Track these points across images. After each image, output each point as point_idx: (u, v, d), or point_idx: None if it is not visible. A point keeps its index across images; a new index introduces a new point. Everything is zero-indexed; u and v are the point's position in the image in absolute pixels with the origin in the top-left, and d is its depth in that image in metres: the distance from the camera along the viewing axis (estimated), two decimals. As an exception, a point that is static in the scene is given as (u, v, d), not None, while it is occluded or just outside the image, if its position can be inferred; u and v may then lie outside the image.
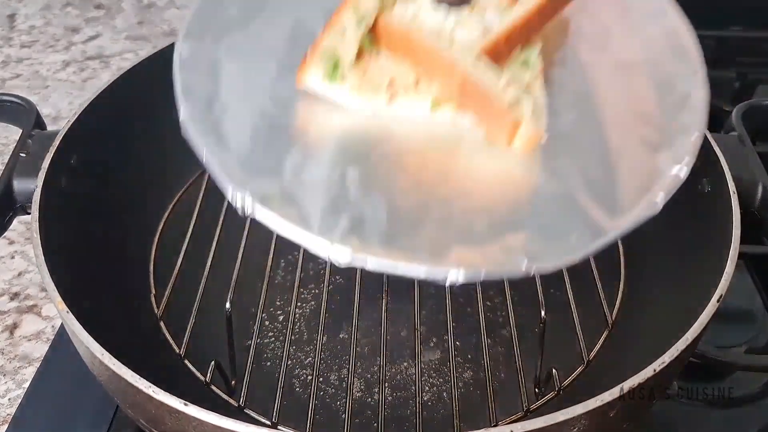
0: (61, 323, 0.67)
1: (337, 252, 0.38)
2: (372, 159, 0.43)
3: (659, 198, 0.43)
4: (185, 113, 0.44)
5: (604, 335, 0.56)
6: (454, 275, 0.38)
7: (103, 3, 1.16)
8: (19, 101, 0.62)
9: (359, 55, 0.45)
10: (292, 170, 0.42)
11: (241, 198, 0.40)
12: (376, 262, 0.38)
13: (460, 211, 0.42)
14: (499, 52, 0.44)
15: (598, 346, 0.56)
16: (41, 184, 0.53)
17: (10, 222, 0.56)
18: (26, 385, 0.62)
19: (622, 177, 0.44)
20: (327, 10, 0.47)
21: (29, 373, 0.64)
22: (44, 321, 0.68)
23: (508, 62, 0.46)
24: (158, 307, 0.59)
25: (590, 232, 0.41)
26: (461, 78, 0.42)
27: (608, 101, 0.48)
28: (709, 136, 0.58)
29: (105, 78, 1.00)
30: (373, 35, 0.46)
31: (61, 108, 0.94)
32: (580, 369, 0.54)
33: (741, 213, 0.52)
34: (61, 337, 0.65)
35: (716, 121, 0.60)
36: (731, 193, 0.53)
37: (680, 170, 0.44)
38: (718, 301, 0.47)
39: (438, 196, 0.42)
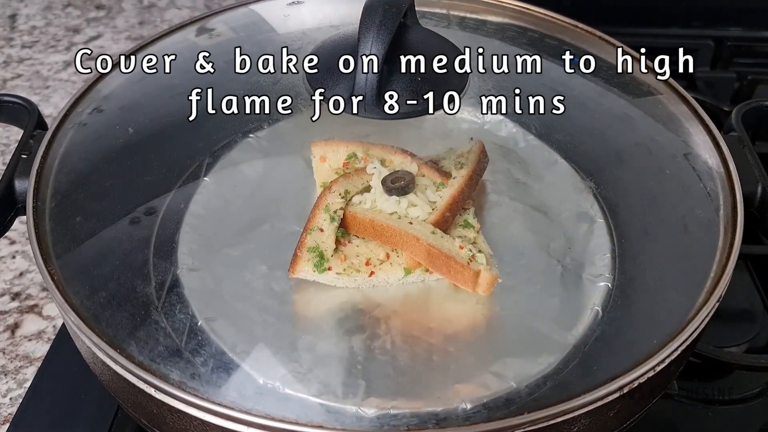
0: (63, 323, 0.67)
1: (362, 412, 0.48)
2: (367, 326, 0.54)
3: (598, 308, 0.54)
4: (203, 319, 0.53)
5: (598, 329, 0.57)
6: (463, 407, 0.48)
7: (104, 3, 1.16)
8: (20, 101, 0.62)
9: (337, 244, 0.56)
10: (306, 350, 0.51)
11: (271, 386, 0.49)
12: (397, 411, 0.48)
13: (450, 354, 0.52)
14: (447, 222, 0.57)
15: (592, 339, 0.56)
16: (42, 184, 0.53)
17: (11, 222, 0.56)
18: (27, 384, 0.62)
19: (563, 298, 0.55)
20: (296, 213, 0.59)
21: (30, 372, 0.64)
22: (45, 321, 0.69)
23: (454, 225, 0.58)
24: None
25: (555, 347, 0.52)
26: (426, 248, 0.54)
27: (535, 238, 0.60)
28: (708, 136, 0.58)
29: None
30: (343, 226, 0.57)
31: (62, 108, 0.94)
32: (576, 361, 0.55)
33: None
34: (63, 336, 0.65)
35: (716, 121, 0.60)
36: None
37: (604, 284, 0.55)
38: (717, 300, 0.47)
39: (428, 345, 0.52)
